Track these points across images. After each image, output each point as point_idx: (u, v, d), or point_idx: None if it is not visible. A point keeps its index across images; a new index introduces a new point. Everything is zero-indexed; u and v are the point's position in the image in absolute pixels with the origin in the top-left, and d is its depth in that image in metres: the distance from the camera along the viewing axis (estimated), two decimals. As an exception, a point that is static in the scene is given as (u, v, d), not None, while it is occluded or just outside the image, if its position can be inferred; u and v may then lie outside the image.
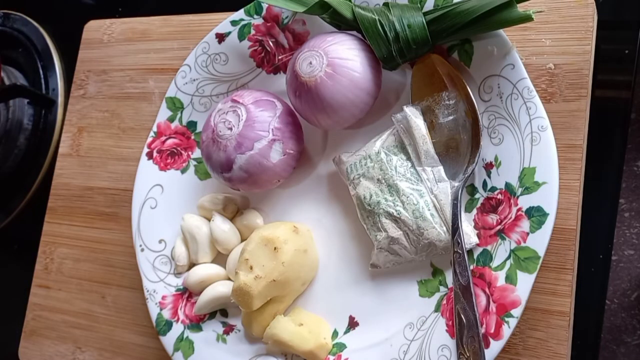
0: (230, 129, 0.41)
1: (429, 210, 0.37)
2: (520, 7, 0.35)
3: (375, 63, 0.40)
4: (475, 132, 0.38)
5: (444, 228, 0.37)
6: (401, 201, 0.38)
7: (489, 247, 0.36)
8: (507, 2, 0.35)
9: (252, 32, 0.46)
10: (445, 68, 0.39)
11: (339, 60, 0.39)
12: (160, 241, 0.47)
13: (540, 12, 0.38)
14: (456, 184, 0.38)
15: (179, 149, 0.48)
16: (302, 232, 0.42)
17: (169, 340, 0.44)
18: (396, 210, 0.38)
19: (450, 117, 0.39)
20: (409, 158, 0.39)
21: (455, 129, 0.39)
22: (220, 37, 0.47)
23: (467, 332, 0.35)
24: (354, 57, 0.39)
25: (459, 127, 0.39)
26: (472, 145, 0.38)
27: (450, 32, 0.37)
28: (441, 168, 0.38)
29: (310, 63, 0.39)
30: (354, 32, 0.41)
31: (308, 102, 0.40)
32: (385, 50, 0.39)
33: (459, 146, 0.39)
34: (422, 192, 0.38)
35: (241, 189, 0.44)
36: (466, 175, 0.38)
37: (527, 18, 0.35)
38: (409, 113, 0.39)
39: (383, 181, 0.38)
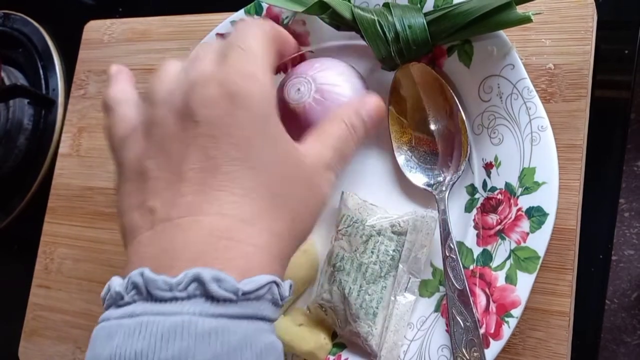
0: None
1: (377, 307, 0.37)
2: (520, 9, 0.35)
3: (366, 85, 0.40)
4: (461, 142, 0.38)
5: (377, 331, 0.37)
6: (359, 284, 0.37)
7: (488, 247, 0.36)
8: (506, 4, 0.35)
9: (252, 32, 0.46)
10: (429, 78, 0.39)
11: (327, 86, 0.38)
12: (160, 241, 0.47)
13: (539, 13, 0.38)
14: (443, 189, 0.38)
15: (179, 149, 0.48)
16: (302, 232, 0.42)
17: (169, 340, 0.44)
18: (349, 290, 0.38)
19: (437, 126, 0.39)
20: (396, 250, 0.38)
21: (443, 137, 0.39)
22: (221, 37, 0.47)
23: (465, 336, 0.35)
24: (342, 82, 0.39)
25: (445, 134, 0.39)
26: (459, 153, 0.38)
27: (449, 33, 0.37)
28: (418, 282, 0.38)
29: (299, 90, 0.39)
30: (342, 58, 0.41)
31: (298, 128, 0.40)
32: (384, 51, 0.39)
33: (447, 154, 0.39)
34: (385, 287, 0.38)
35: None
36: (451, 183, 0.38)
37: (526, 19, 0.35)
38: (431, 218, 0.38)
39: (357, 256, 0.38)
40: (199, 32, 0.52)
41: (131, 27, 0.56)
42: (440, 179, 0.39)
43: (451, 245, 0.36)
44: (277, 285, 0.24)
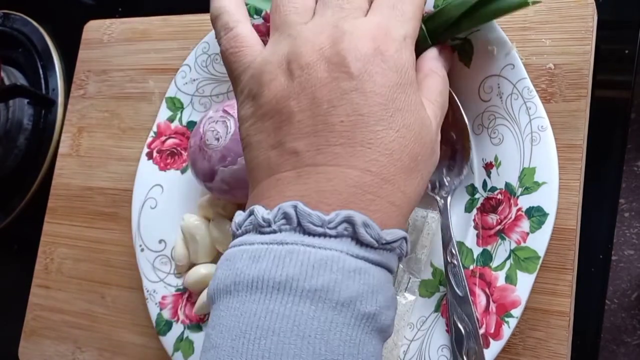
0: (218, 139, 0.40)
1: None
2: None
3: None
4: (463, 145, 0.38)
5: None
6: None
7: (489, 247, 0.36)
8: None
9: (252, 32, 0.46)
10: None
11: None
12: (160, 241, 0.47)
13: (538, 2, 0.36)
14: (445, 194, 0.38)
15: (178, 149, 0.48)
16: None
17: (168, 341, 0.44)
18: None
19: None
20: None
21: (445, 141, 0.38)
22: (220, 37, 0.47)
23: (466, 342, 0.35)
24: None
25: (448, 138, 0.38)
26: (462, 156, 0.38)
27: (446, 27, 0.36)
28: (418, 282, 0.38)
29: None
30: None
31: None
32: None
33: (450, 157, 0.39)
34: None
35: (222, 199, 0.44)
36: (454, 187, 0.38)
37: (523, 4, 0.33)
38: (432, 218, 0.38)
39: None
40: (199, 32, 0.52)
41: (131, 27, 0.56)
42: (443, 183, 0.38)
43: (453, 250, 0.36)
44: (406, 242, 0.26)
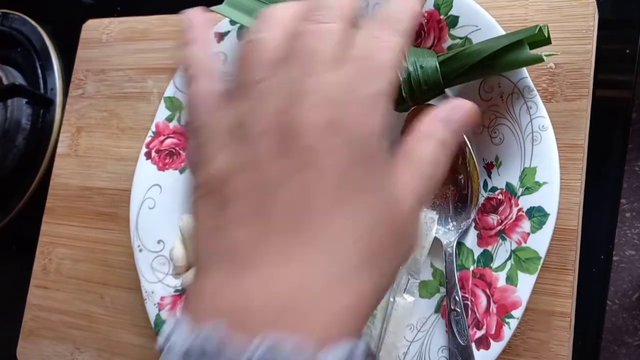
0: None
1: (376, 308, 0.36)
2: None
3: None
4: (472, 189, 0.37)
5: (376, 332, 0.37)
6: None
7: (489, 248, 0.36)
8: (517, 42, 0.34)
9: (251, 31, 0.46)
10: None
11: None
12: (158, 242, 0.46)
13: (552, 54, 0.35)
14: (451, 239, 0.37)
15: (177, 149, 0.48)
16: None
17: (167, 341, 0.44)
18: None
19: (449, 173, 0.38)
20: None
21: (454, 183, 0.38)
22: (220, 37, 0.47)
23: None
24: None
25: (455, 181, 0.38)
26: (470, 201, 0.37)
27: (459, 73, 0.36)
28: (417, 284, 0.38)
29: None
30: None
31: None
32: (395, 93, 0.37)
33: (458, 200, 0.38)
34: None
35: None
36: (459, 231, 0.37)
37: (537, 59, 0.33)
38: (430, 219, 0.38)
39: None
40: (197, 32, 0.52)
41: (130, 26, 0.56)
42: (450, 227, 0.38)
43: (457, 298, 0.35)
44: (364, 347, 0.22)
